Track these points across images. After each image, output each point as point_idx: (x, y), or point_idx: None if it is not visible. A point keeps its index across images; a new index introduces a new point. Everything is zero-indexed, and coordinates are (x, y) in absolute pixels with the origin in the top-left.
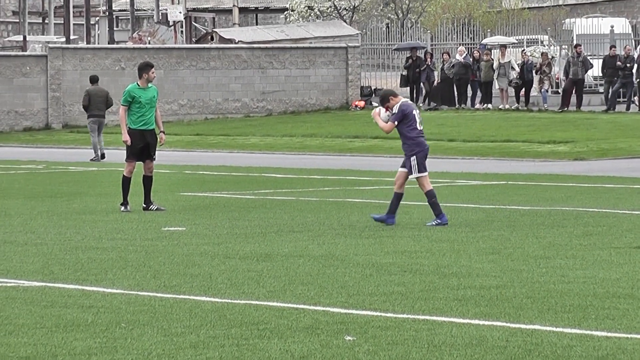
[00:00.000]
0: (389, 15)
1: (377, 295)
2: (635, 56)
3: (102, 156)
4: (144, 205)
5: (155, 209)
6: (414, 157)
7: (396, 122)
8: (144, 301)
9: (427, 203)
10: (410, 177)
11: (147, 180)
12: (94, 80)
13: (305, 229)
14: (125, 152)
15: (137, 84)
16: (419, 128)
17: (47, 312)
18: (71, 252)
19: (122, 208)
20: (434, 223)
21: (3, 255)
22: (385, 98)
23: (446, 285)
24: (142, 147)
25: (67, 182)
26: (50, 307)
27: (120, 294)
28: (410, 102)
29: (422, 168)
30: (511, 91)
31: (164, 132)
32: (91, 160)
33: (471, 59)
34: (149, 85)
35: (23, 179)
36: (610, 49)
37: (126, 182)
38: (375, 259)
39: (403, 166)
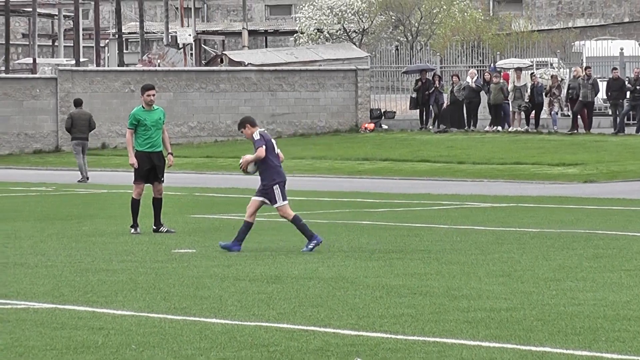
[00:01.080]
0: (399, 37)
1: (387, 317)
2: None
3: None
4: (154, 227)
5: (166, 231)
6: (277, 185)
7: (264, 146)
8: (154, 323)
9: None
10: (274, 206)
11: (157, 203)
12: (77, 103)
13: (315, 251)
14: (133, 174)
15: (142, 106)
16: (278, 157)
17: (58, 334)
18: (81, 274)
19: (132, 230)
20: (310, 247)
21: (13, 277)
22: (243, 124)
23: (456, 307)
24: (150, 169)
25: (77, 204)
26: (60, 329)
27: (130, 316)
28: (266, 132)
29: (284, 197)
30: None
31: (172, 154)
32: (78, 181)
33: (482, 81)
34: (155, 107)
35: (33, 202)
36: (613, 71)
37: (135, 204)
38: (385, 281)
39: (258, 195)
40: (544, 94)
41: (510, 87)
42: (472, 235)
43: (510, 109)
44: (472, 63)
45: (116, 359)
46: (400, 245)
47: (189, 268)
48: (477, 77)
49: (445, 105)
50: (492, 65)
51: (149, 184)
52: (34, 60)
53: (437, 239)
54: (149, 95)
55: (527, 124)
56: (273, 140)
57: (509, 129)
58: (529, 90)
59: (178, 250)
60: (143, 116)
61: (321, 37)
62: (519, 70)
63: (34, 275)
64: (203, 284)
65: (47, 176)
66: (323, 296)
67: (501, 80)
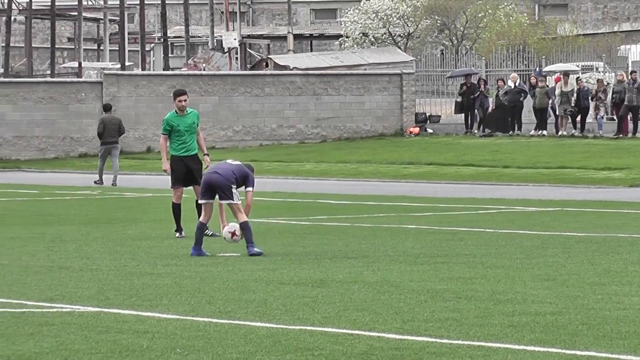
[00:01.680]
0: (444, 41)
1: (431, 321)
2: None
3: (113, 182)
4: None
5: (210, 235)
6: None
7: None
8: (199, 327)
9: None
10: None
11: (200, 206)
12: (107, 108)
13: (359, 255)
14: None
15: (175, 112)
16: None
17: (103, 338)
18: (126, 277)
19: (177, 234)
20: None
21: (59, 280)
22: None
23: (501, 311)
24: (186, 172)
25: (122, 208)
26: (105, 333)
27: (175, 320)
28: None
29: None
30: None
31: (208, 155)
32: (95, 182)
33: (528, 85)
34: (188, 110)
35: (78, 205)
36: None
37: (176, 208)
38: (430, 285)
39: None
40: (589, 98)
41: (557, 92)
42: (517, 240)
43: (557, 113)
44: (517, 67)
45: None
46: (444, 249)
47: (233, 272)
48: (519, 81)
49: (490, 109)
50: (537, 69)
51: (189, 187)
52: (80, 64)
53: (482, 243)
54: (180, 101)
55: (575, 127)
56: None
57: (558, 133)
58: (575, 95)
59: (223, 254)
60: (176, 122)
61: (366, 41)
62: (566, 75)
63: (78, 279)
64: (248, 287)
65: (92, 180)
66: (367, 300)
67: (546, 84)
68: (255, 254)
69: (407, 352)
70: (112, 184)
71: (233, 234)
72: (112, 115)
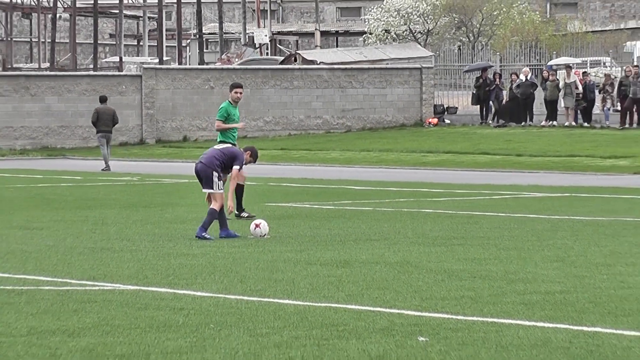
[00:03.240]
0: (461, 38)
1: (448, 299)
2: None
3: (105, 167)
4: (236, 213)
5: (247, 217)
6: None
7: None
8: (231, 304)
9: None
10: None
11: (239, 190)
12: (102, 100)
13: (381, 237)
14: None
15: (230, 102)
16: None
17: (141, 314)
18: (163, 258)
19: (244, 215)
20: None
21: (100, 261)
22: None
23: (513, 290)
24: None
25: (160, 193)
26: (144, 309)
27: (209, 297)
28: None
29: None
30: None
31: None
32: (102, 170)
33: (541, 78)
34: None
35: (119, 190)
36: None
37: (238, 190)
38: (447, 266)
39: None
40: (597, 90)
41: (561, 84)
42: (529, 223)
43: (563, 105)
44: (529, 62)
45: (196, 337)
46: (460, 232)
47: (263, 253)
48: (531, 75)
49: (504, 101)
50: (548, 64)
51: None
52: (120, 58)
53: (496, 226)
54: (236, 93)
55: (584, 119)
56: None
57: (565, 124)
58: (579, 87)
59: (254, 236)
60: (232, 112)
61: (388, 37)
62: (569, 68)
63: (119, 259)
64: (277, 267)
65: (132, 167)
66: (389, 279)
67: (557, 78)
68: (200, 237)
69: (425, 327)
70: (104, 169)
71: (257, 225)
72: (107, 106)
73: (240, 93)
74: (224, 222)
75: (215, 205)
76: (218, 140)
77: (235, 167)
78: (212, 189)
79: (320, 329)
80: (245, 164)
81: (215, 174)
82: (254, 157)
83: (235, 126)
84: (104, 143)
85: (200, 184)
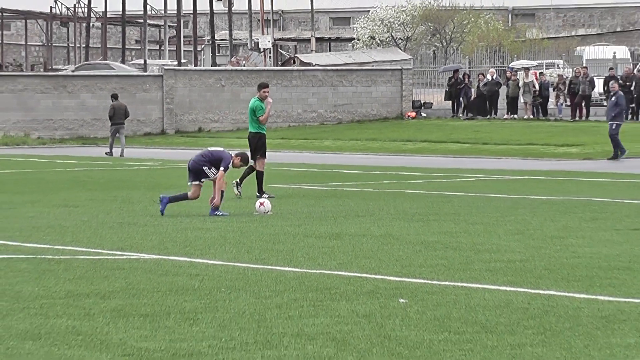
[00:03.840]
0: (435, 43)
1: (425, 266)
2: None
3: (121, 154)
4: (257, 194)
5: (268, 197)
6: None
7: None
8: (240, 271)
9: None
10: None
11: (259, 175)
12: (115, 97)
13: (368, 213)
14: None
15: (258, 98)
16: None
17: (162, 279)
18: (181, 232)
19: (267, 196)
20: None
21: (127, 234)
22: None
23: (480, 259)
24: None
25: (179, 176)
26: (164, 275)
27: (220, 265)
28: None
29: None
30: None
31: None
32: (106, 154)
33: (505, 78)
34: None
35: (144, 174)
36: (609, 70)
37: (259, 175)
38: (424, 238)
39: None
40: (550, 89)
41: (520, 83)
42: (494, 202)
43: (522, 101)
44: (494, 64)
45: (209, 299)
46: (435, 209)
47: (267, 227)
48: (496, 75)
49: (472, 97)
50: (510, 66)
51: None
52: (145, 61)
53: (465, 204)
54: (264, 92)
55: (539, 114)
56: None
57: (524, 117)
58: (536, 86)
59: (259, 213)
60: (262, 106)
61: (373, 43)
62: (527, 69)
63: (143, 233)
64: (278, 239)
65: (155, 154)
66: (374, 250)
67: (517, 78)
68: (162, 204)
69: (404, 291)
70: (120, 156)
71: (261, 204)
72: (120, 103)
73: (267, 92)
74: (177, 198)
75: (222, 186)
76: (254, 131)
77: (221, 169)
78: (208, 177)
79: (315, 292)
80: (235, 167)
81: (205, 167)
82: (244, 162)
83: (268, 109)
84: (114, 133)
85: (189, 177)
